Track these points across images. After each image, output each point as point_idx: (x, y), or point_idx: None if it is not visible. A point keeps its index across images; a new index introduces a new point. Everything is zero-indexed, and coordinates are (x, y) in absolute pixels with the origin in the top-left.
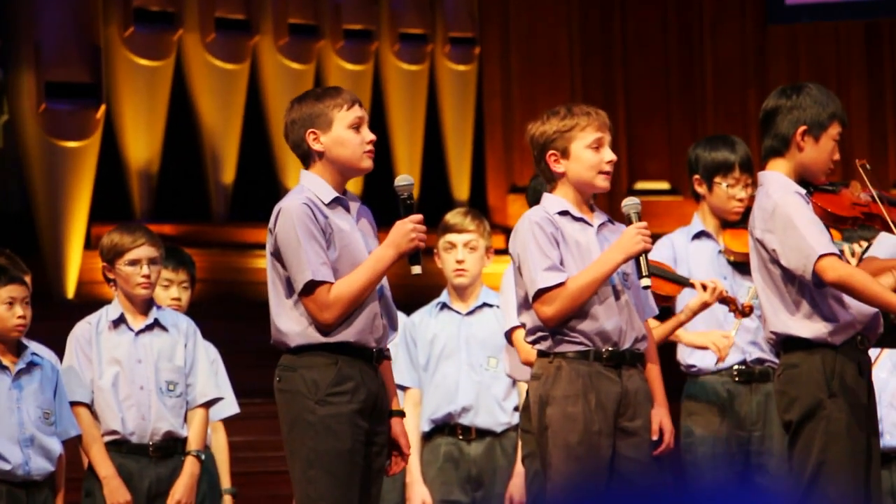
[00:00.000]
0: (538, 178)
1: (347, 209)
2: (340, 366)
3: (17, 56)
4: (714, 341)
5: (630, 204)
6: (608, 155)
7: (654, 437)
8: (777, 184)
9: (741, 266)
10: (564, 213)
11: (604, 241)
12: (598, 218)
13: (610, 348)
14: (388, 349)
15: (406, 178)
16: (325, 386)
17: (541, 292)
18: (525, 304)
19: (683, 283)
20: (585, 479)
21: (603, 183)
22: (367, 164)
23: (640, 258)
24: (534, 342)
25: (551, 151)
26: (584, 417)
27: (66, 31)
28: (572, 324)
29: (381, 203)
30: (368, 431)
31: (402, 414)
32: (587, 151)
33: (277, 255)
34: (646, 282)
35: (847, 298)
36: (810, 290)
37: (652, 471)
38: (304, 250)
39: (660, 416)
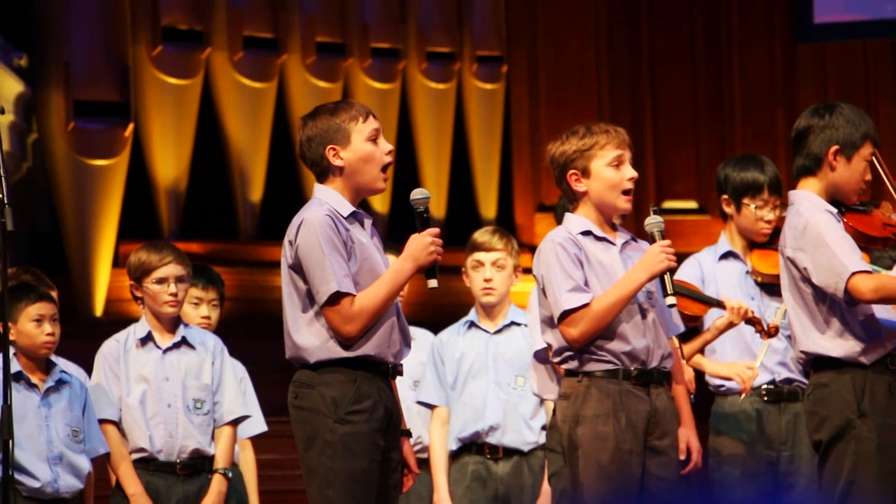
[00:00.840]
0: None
1: (362, 224)
2: (359, 383)
3: (46, 75)
4: (738, 372)
5: (653, 222)
6: (629, 172)
7: (682, 457)
8: (808, 202)
9: (769, 287)
10: (587, 233)
11: (627, 260)
12: (620, 237)
13: (638, 367)
14: (401, 365)
15: (422, 191)
16: (344, 404)
17: (566, 314)
18: (549, 324)
19: (710, 302)
20: (617, 498)
21: (625, 204)
22: (382, 185)
23: (665, 276)
24: (561, 362)
25: (572, 171)
26: (615, 436)
27: (95, 49)
28: (600, 343)
29: (408, 220)
30: (385, 448)
31: (408, 434)
32: (608, 169)
33: (297, 267)
34: (671, 300)
35: (879, 316)
36: (841, 308)
37: (680, 490)
38: (328, 261)
39: (687, 434)
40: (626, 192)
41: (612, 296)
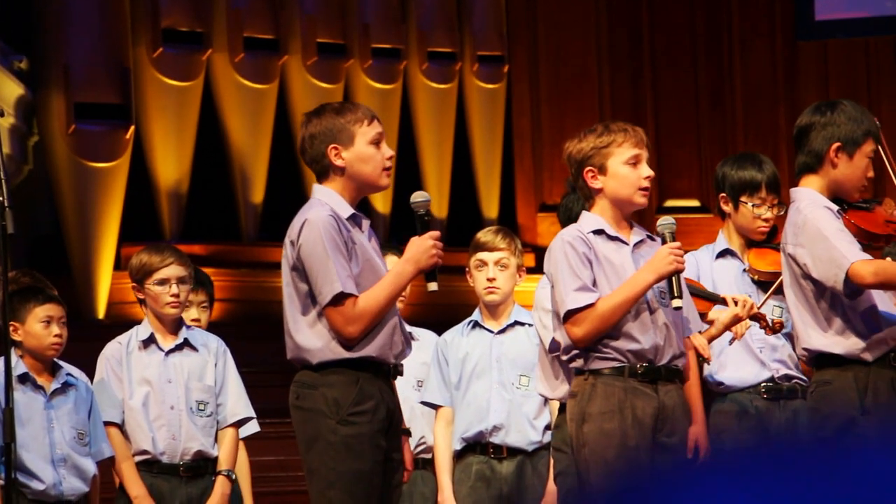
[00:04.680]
0: (569, 196)
1: (360, 226)
2: (361, 384)
3: (46, 77)
4: (736, 312)
5: (665, 224)
6: (646, 171)
7: (690, 455)
8: (807, 199)
9: (765, 285)
10: (599, 231)
11: (640, 260)
12: (635, 235)
13: (645, 364)
14: (402, 365)
15: (422, 194)
16: (346, 405)
17: (571, 313)
18: (560, 322)
19: (715, 299)
20: (625, 494)
21: (641, 199)
22: (386, 181)
23: (673, 278)
24: (569, 360)
25: (588, 168)
26: (620, 433)
27: (95, 52)
28: (606, 341)
29: (410, 221)
30: (387, 449)
31: (408, 433)
32: (624, 167)
33: (298, 268)
34: (677, 303)
35: (881, 311)
36: (843, 305)
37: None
38: (332, 262)
39: (697, 433)
40: (642, 190)
41: (618, 296)
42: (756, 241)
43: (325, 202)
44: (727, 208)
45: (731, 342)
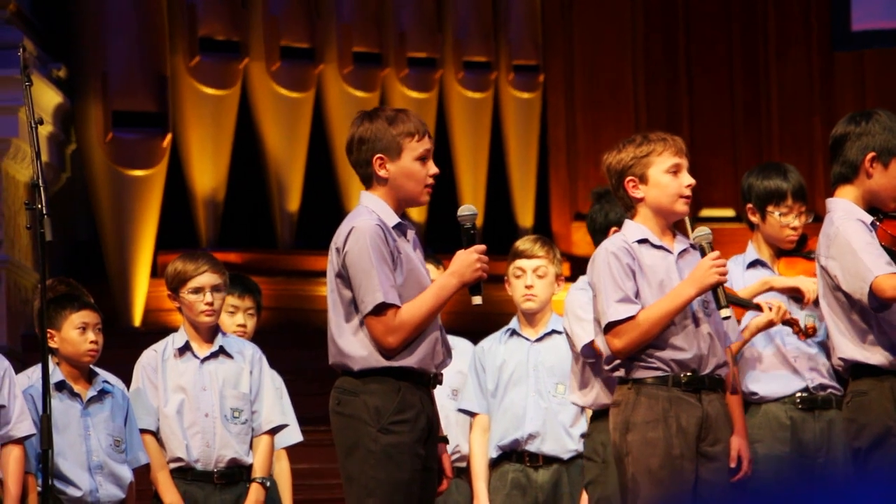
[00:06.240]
0: (596, 208)
1: (405, 235)
2: (403, 393)
3: (84, 86)
4: (802, 284)
5: (701, 234)
6: (687, 179)
7: (733, 465)
8: (841, 210)
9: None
10: (644, 241)
11: (684, 269)
12: (679, 244)
13: (689, 374)
14: (441, 374)
15: (469, 207)
16: (387, 414)
17: (611, 325)
18: (601, 332)
19: (747, 305)
20: (670, 503)
21: (682, 207)
22: (426, 199)
23: (717, 289)
24: (612, 369)
25: (629, 178)
26: (664, 442)
27: (133, 60)
28: (650, 350)
29: (445, 230)
30: (425, 458)
31: (445, 440)
32: (665, 176)
33: (343, 275)
34: (725, 312)
35: None
36: (875, 316)
37: (731, 497)
38: (376, 271)
39: (739, 443)
40: (683, 198)
41: (659, 309)
42: (786, 250)
43: (373, 210)
44: (755, 219)
45: (803, 306)
